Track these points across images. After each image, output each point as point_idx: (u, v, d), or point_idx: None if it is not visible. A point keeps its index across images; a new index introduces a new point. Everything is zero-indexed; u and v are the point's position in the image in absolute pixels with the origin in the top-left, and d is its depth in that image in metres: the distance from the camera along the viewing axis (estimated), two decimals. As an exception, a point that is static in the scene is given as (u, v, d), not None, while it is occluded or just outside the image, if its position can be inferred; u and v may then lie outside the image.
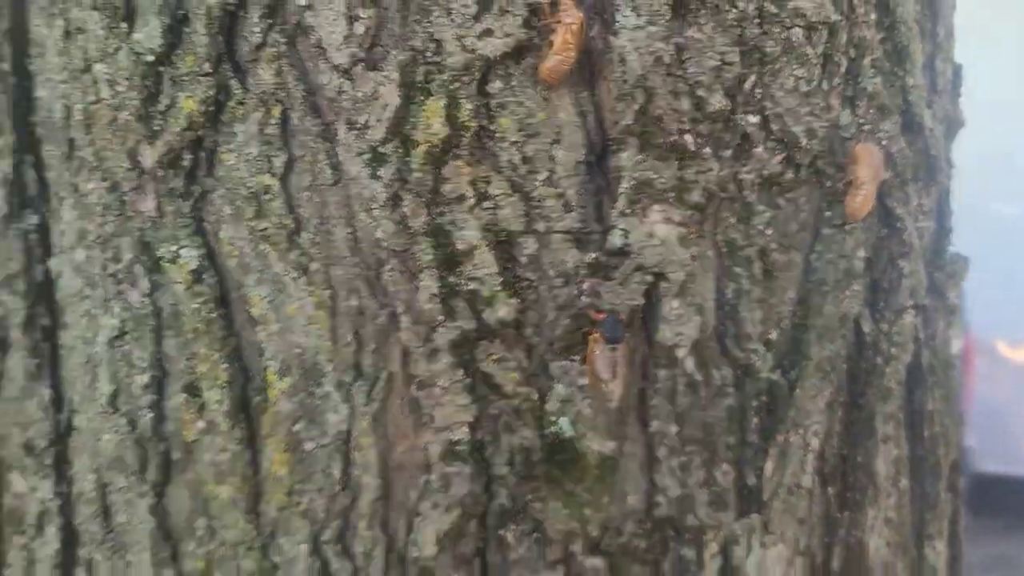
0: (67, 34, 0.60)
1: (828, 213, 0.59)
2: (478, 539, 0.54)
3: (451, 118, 0.51)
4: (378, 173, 0.52)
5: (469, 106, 0.51)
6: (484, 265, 0.52)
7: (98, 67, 0.58)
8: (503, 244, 0.52)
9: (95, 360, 0.63)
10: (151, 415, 0.61)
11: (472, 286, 0.52)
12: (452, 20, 0.51)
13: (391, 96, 0.51)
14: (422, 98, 0.51)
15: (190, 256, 0.57)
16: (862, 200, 0.57)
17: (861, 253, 0.60)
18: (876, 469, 0.62)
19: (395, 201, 0.52)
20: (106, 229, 0.61)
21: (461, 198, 0.52)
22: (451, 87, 0.51)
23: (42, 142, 0.64)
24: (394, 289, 0.53)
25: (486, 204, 0.52)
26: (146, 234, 0.59)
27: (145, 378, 0.60)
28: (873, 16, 0.59)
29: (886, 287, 0.63)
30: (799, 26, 0.55)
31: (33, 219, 0.64)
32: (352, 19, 0.51)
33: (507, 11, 0.50)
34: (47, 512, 0.66)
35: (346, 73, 0.52)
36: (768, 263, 0.57)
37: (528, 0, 0.50)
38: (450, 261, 0.52)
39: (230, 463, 0.58)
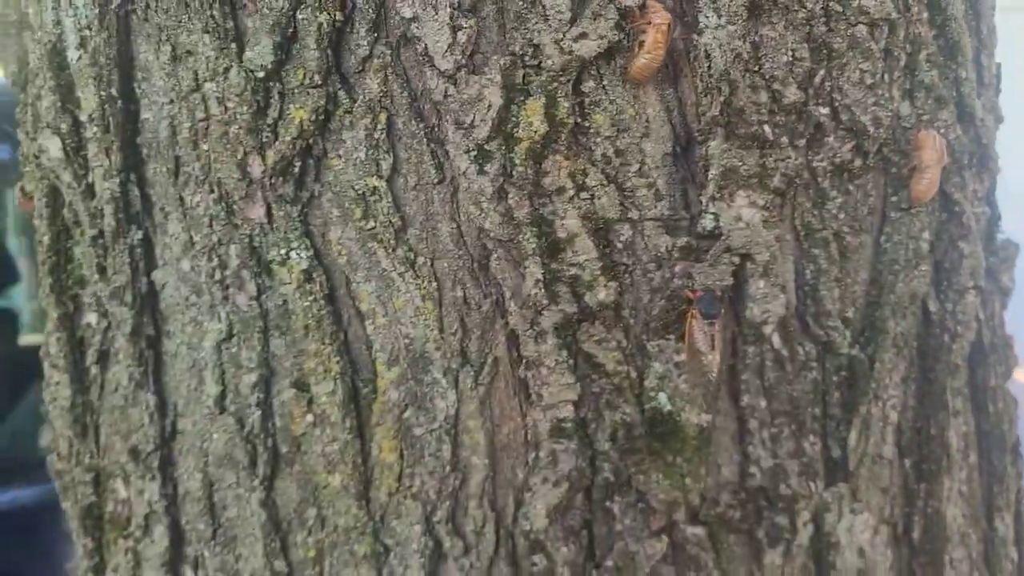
0: (175, 58, 0.64)
1: (895, 198, 0.63)
2: (585, 511, 0.57)
3: (550, 116, 0.55)
4: (485, 169, 0.56)
5: (566, 104, 0.55)
6: (584, 251, 0.56)
7: (208, 86, 0.62)
8: (600, 231, 0.56)
9: (200, 364, 0.67)
10: (259, 412, 0.64)
11: (573, 271, 0.56)
12: (549, 25, 0.55)
13: (494, 97, 0.55)
14: (522, 98, 0.55)
15: (300, 257, 0.61)
16: (927, 184, 0.61)
17: (926, 235, 0.64)
18: (949, 441, 0.65)
19: (501, 194, 0.56)
20: (213, 238, 0.64)
21: (561, 190, 0.56)
22: (549, 87, 0.55)
23: (147, 161, 0.68)
24: (501, 277, 0.57)
25: (584, 195, 0.56)
26: (255, 239, 0.63)
27: (253, 377, 0.64)
28: (926, 14, 0.64)
29: (948, 268, 0.66)
30: (863, 23, 0.59)
31: (138, 234, 0.68)
32: (455, 28, 0.55)
33: (600, 15, 0.54)
34: (154, 513, 0.69)
35: (451, 78, 0.56)
36: (842, 245, 0.60)
37: (619, 4, 0.54)
38: (552, 249, 0.56)
39: (340, 453, 0.61)
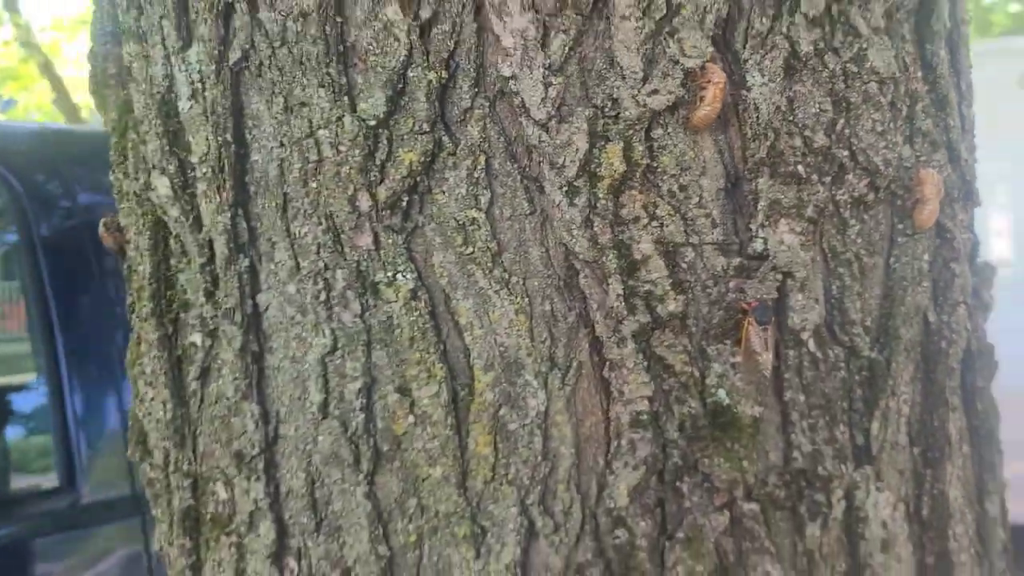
0: (287, 108, 0.74)
1: (900, 225, 0.75)
2: (658, 491, 0.68)
3: (627, 158, 0.66)
4: (574, 202, 0.66)
5: (640, 148, 0.67)
6: (656, 270, 0.67)
7: (321, 132, 0.72)
8: (669, 254, 0.67)
9: (304, 375, 0.76)
10: (363, 415, 0.73)
11: (647, 287, 0.67)
12: (626, 83, 0.66)
13: (581, 142, 0.66)
14: (603, 143, 0.67)
15: (406, 279, 0.71)
16: (928, 214, 0.74)
17: (926, 257, 0.76)
18: (950, 433, 0.77)
19: (587, 223, 0.67)
20: (319, 264, 0.74)
21: (636, 219, 0.67)
22: (626, 134, 0.66)
23: (254, 197, 0.77)
24: (588, 292, 0.67)
25: (654, 223, 0.67)
26: (362, 264, 0.72)
27: (357, 384, 0.73)
28: (920, 73, 0.77)
29: (942, 286, 0.78)
30: (874, 81, 0.71)
31: (245, 262, 0.77)
32: (547, 85, 0.67)
33: (668, 75, 0.66)
34: (259, 510, 0.77)
35: (544, 126, 0.67)
36: (861, 265, 0.72)
37: (683, 66, 0.66)
38: (630, 268, 0.67)
39: (441, 447, 0.71)
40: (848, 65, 0.71)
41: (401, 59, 0.68)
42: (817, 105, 0.70)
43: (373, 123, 0.70)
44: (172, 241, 0.82)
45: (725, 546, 0.68)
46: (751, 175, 0.68)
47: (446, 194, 0.69)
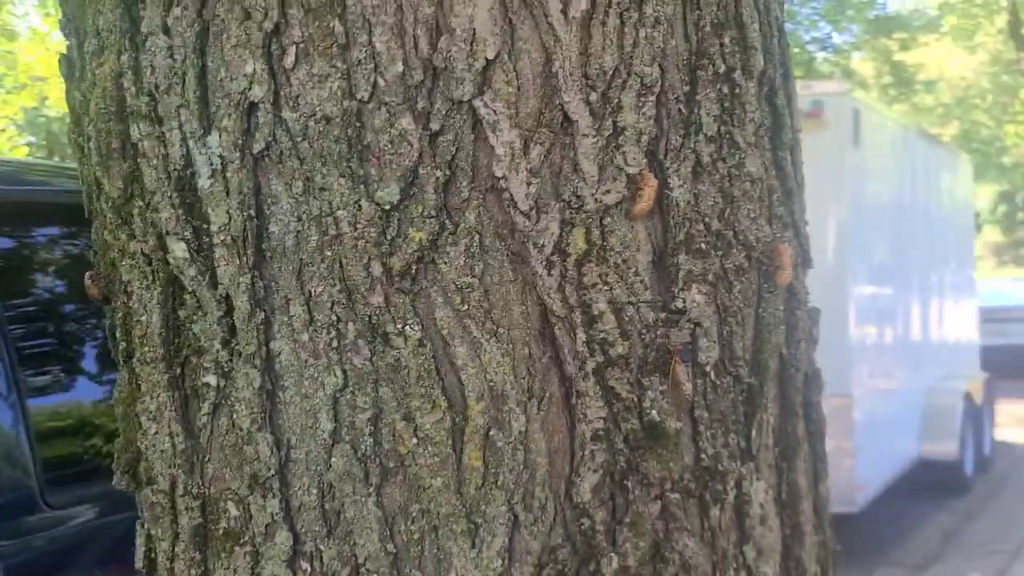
0: (307, 190, 0.91)
1: (765, 284, 1.02)
2: (611, 488, 0.91)
3: (588, 239, 0.89)
4: (551, 272, 0.88)
5: (596, 232, 0.90)
6: (608, 323, 0.90)
7: (340, 212, 0.90)
8: (617, 310, 0.91)
9: (315, 408, 0.93)
10: (371, 439, 0.91)
11: (602, 335, 0.90)
12: (586, 183, 0.89)
13: (555, 227, 0.88)
14: (570, 228, 0.89)
15: (413, 330, 0.90)
16: (784, 276, 1.01)
17: (782, 307, 1.04)
18: (799, 435, 1.05)
19: (561, 288, 0.89)
20: (333, 317, 0.91)
21: (594, 285, 0.90)
22: (587, 222, 0.89)
23: (269, 261, 0.93)
24: (560, 340, 0.89)
25: (606, 287, 0.90)
26: (373, 318, 0.90)
27: (367, 415, 0.91)
28: (774, 172, 1.04)
29: (791, 328, 1.06)
30: (748, 180, 0.98)
31: (260, 316, 0.93)
32: (529, 184, 0.88)
33: (616, 178, 0.90)
34: (275, 523, 0.93)
35: (527, 215, 0.88)
36: (742, 316, 0.99)
37: (627, 173, 0.90)
38: (591, 321, 0.90)
39: (441, 463, 0.90)
40: (732, 169, 0.97)
41: (413, 159, 0.88)
42: (712, 199, 0.95)
43: (388, 207, 0.89)
44: (187, 296, 0.96)
45: (658, 527, 0.92)
46: (672, 252, 0.92)
47: (448, 264, 0.89)
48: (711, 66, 0.95)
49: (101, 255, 1.06)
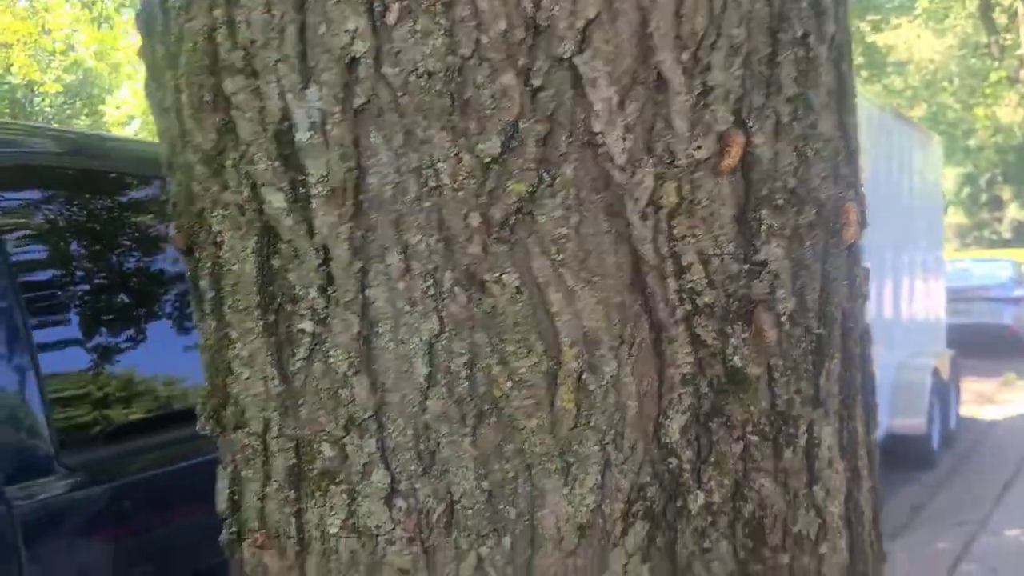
0: (407, 143, 0.94)
1: (832, 240, 1.07)
2: (696, 429, 0.96)
3: (679, 192, 0.94)
4: (645, 224, 0.93)
5: (687, 187, 0.94)
6: (697, 273, 0.95)
7: (441, 164, 0.93)
8: (704, 261, 0.95)
9: (410, 354, 0.96)
10: (467, 383, 0.95)
11: (691, 285, 0.95)
12: (678, 140, 0.93)
13: (649, 181, 0.93)
14: (662, 182, 0.93)
15: (511, 278, 0.93)
16: (850, 234, 1.06)
17: (844, 264, 1.09)
18: (856, 385, 1.10)
19: (654, 239, 0.93)
20: (430, 266, 0.95)
21: (684, 237, 0.94)
22: (678, 176, 0.94)
23: (367, 212, 0.96)
24: (652, 288, 0.94)
25: (695, 240, 0.95)
26: (471, 267, 0.94)
27: (463, 359, 0.95)
28: (839, 134, 1.09)
29: (851, 283, 1.12)
30: (822, 141, 1.03)
31: (358, 264, 0.97)
32: (624, 139, 0.92)
33: (706, 135, 0.94)
34: (371, 462, 0.97)
35: (623, 169, 0.92)
36: (811, 270, 1.03)
37: (717, 130, 0.94)
38: (680, 271, 0.94)
39: (536, 405, 0.94)
40: (807, 129, 1.02)
41: (514, 114, 0.91)
42: (789, 158, 1.00)
43: (488, 160, 0.92)
44: (282, 245, 0.99)
45: (738, 467, 0.97)
46: (755, 207, 0.97)
47: (545, 215, 0.93)
48: (790, 29, 1.00)
49: (184, 207, 1.09)
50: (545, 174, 0.92)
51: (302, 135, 0.96)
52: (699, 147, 0.94)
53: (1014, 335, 14.98)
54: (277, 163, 0.98)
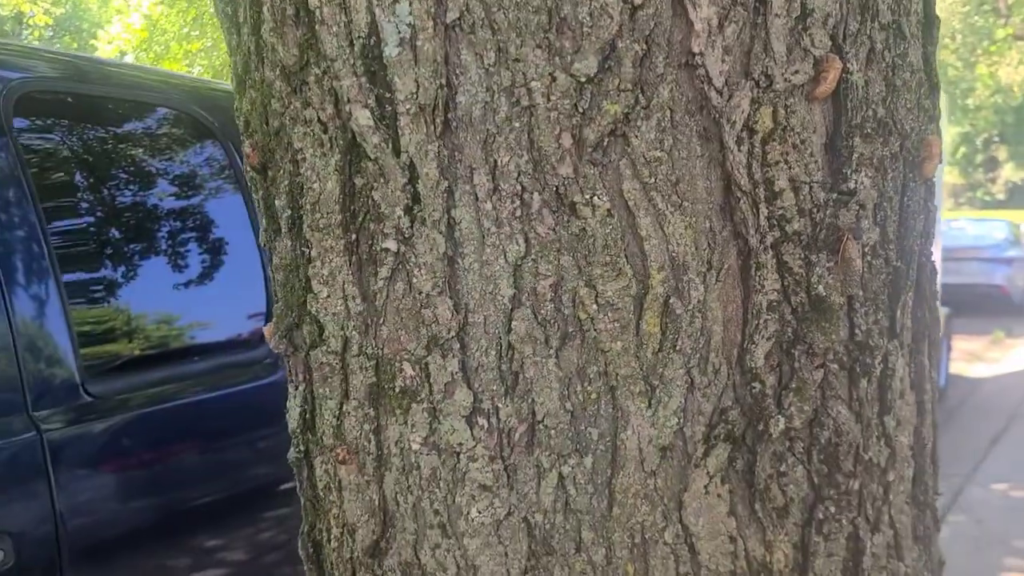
0: (499, 60, 0.93)
1: (911, 174, 1.06)
2: (779, 355, 0.96)
3: (774, 117, 0.93)
4: (740, 148, 0.92)
5: (782, 112, 0.93)
6: (788, 200, 0.94)
7: (534, 83, 0.92)
8: (795, 188, 0.95)
9: (495, 276, 0.96)
10: (552, 305, 0.95)
11: (781, 211, 0.94)
12: (776, 63, 0.92)
13: (745, 104, 0.92)
14: (758, 107, 0.93)
15: (602, 200, 0.93)
16: (931, 168, 1.06)
17: (923, 198, 1.09)
18: (927, 322, 1.11)
19: (748, 164, 0.93)
20: (518, 187, 0.95)
21: (776, 163, 0.94)
22: (774, 101, 0.93)
23: (455, 131, 0.96)
24: (744, 214, 0.94)
25: (787, 166, 0.94)
26: (560, 188, 0.94)
27: (549, 281, 0.95)
28: (923, 66, 1.08)
29: (926, 219, 1.12)
30: (909, 71, 1.02)
31: (444, 184, 0.96)
32: (723, 61, 0.91)
33: (803, 59, 0.93)
34: (454, 381, 0.98)
35: (720, 92, 0.91)
36: (892, 203, 1.03)
37: (814, 55, 0.93)
38: (772, 197, 0.94)
39: (622, 328, 0.95)
40: (896, 59, 1.01)
41: (612, 32, 0.90)
42: (879, 86, 1.00)
43: (583, 80, 0.91)
44: (366, 163, 0.98)
45: (817, 395, 0.98)
46: (847, 135, 0.97)
47: (639, 138, 0.92)
48: (885, -44, 0.98)
49: (259, 124, 1.07)
50: (641, 95, 0.92)
51: (391, 50, 0.95)
52: (796, 72, 0.93)
53: (1005, 295, 15.10)
54: (364, 79, 0.96)
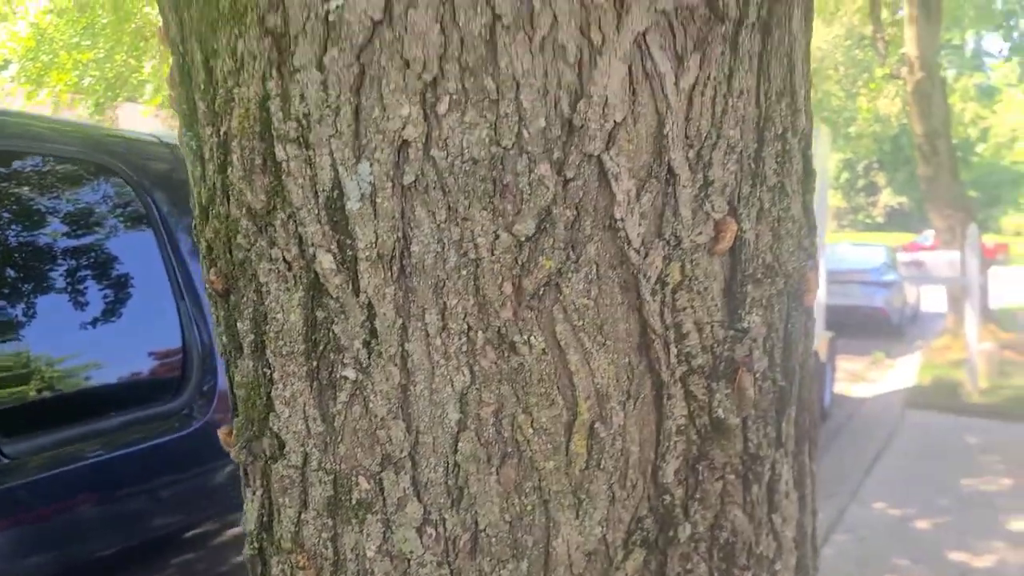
0: (450, 218, 1.07)
1: (794, 304, 1.25)
2: (685, 471, 1.13)
3: (683, 271, 1.10)
4: (655, 299, 1.08)
5: (688, 265, 1.10)
6: (693, 340, 1.11)
7: (480, 239, 1.06)
8: (699, 329, 1.12)
9: (443, 402, 1.10)
10: (494, 428, 1.10)
11: (688, 349, 1.11)
12: (683, 226, 1.09)
13: (658, 261, 1.08)
14: (669, 262, 1.09)
15: (538, 341, 1.08)
16: (811, 298, 1.25)
17: (804, 324, 1.27)
18: (806, 425, 1.30)
19: (661, 311, 1.09)
20: (464, 326, 1.09)
21: (684, 308, 1.10)
22: (682, 258, 1.10)
23: (409, 275, 1.09)
24: (658, 353, 1.10)
25: (692, 311, 1.11)
26: (502, 329, 1.08)
27: (492, 408, 1.09)
28: (804, 216, 1.27)
29: (807, 338, 1.31)
30: (791, 221, 1.21)
31: (399, 322, 1.09)
32: (640, 225, 1.07)
33: (705, 222, 1.10)
34: (406, 496, 1.11)
35: (638, 251, 1.08)
36: (778, 332, 1.22)
37: (714, 218, 1.10)
38: (681, 338, 1.11)
39: (554, 449, 1.09)
40: (780, 212, 1.19)
41: (548, 200, 1.05)
42: (767, 238, 1.18)
43: (523, 238, 1.06)
44: (328, 300, 1.11)
45: (717, 502, 1.15)
46: (741, 282, 1.14)
47: (569, 288, 1.08)
48: (773, 127, 1.17)
49: (222, 252, 1.19)
50: (571, 252, 1.07)
51: (352, 204, 1.08)
52: (700, 233, 1.10)
53: (885, 317, 15.95)
54: (327, 227, 1.09)
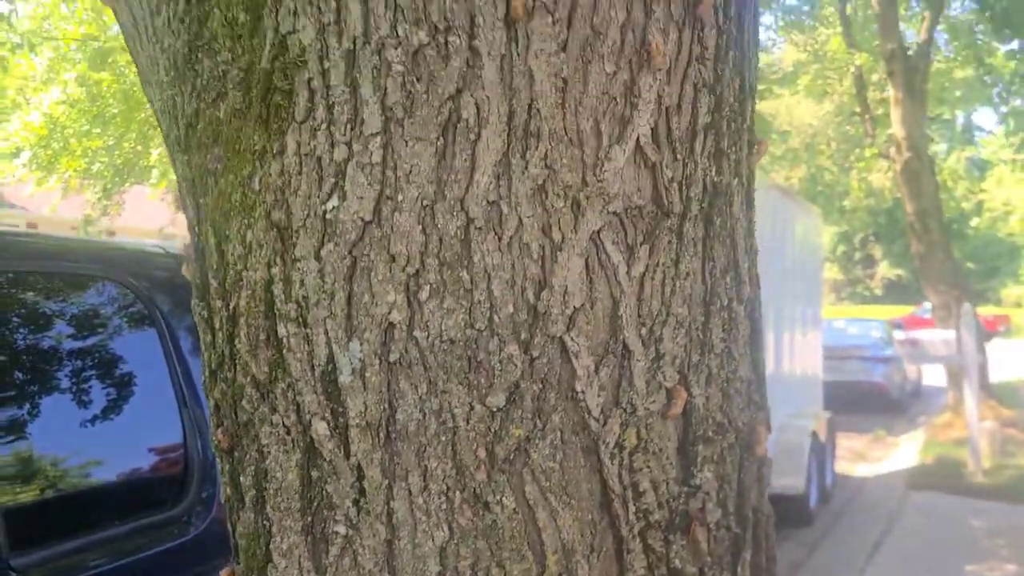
0: (430, 391, 1.21)
1: (745, 454, 1.38)
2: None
3: (638, 436, 1.23)
4: (613, 462, 1.21)
5: (644, 430, 1.23)
6: (650, 497, 1.24)
7: (457, 410, 1.20)
8: (655, 487, 1.24)
9: (425, 555, 1.23)
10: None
11: (646, 507, 1.24)
12: (638, 396, 1.23)
13: (616, 429, 1.22)
14: (626, 428, 1.23)
15: (510, 501, 1.21)
16: (762, 449, 1.38)
17: (756, 471, 1.40)
18: (762, 564, 1.42)
19: (619, 473, 1.22)
20: (444, 487, 1.22)
21: (641, 469, 1.23)
22: (638, 423, 1.23)
23: (394, 440, 1.22)
24: (618, 511, 1.22)
25: (648, 471, 1.24)
26: (477, 489, 1.21)
27: (468, 561, 1.22)
28: (753, 373, 1.41)
29: (760, 484, 1.43)
30: (739, 381, 1.34)
31: (385, 483, 1.22)
32: (599, 395, 1.21)
33: (658, 391, 1.24)
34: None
35: (598, 420, 1.21)
36: (732, 482, 1.34)
37: (666, 387, 1.24)
38: (639, 496, 1.23)
39: (524, 598, 1.21)
40: (728, 375, 1.33)
41: (517, 376, 1.19)
42: (717, 399, 1.31)
43: (495, 409, 1.20)
44: (322, 462, 1.24)
45: (676, 643, 1.26)
46: (693, 443, 1.27)
47: (537, 453, 1.21)
48: (718, 300, 1.31)
49: (229, 413, 1.32)
50: (538, 421, 1.21)
51: (345, 377, 1.22)
52: (654, 401, 1.23)
53: (885, 392, 15.97)
54: (322, 397, 1.23)
